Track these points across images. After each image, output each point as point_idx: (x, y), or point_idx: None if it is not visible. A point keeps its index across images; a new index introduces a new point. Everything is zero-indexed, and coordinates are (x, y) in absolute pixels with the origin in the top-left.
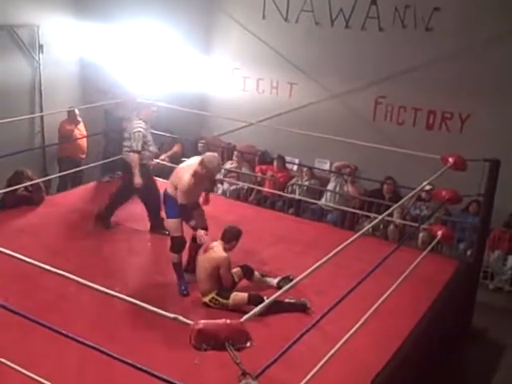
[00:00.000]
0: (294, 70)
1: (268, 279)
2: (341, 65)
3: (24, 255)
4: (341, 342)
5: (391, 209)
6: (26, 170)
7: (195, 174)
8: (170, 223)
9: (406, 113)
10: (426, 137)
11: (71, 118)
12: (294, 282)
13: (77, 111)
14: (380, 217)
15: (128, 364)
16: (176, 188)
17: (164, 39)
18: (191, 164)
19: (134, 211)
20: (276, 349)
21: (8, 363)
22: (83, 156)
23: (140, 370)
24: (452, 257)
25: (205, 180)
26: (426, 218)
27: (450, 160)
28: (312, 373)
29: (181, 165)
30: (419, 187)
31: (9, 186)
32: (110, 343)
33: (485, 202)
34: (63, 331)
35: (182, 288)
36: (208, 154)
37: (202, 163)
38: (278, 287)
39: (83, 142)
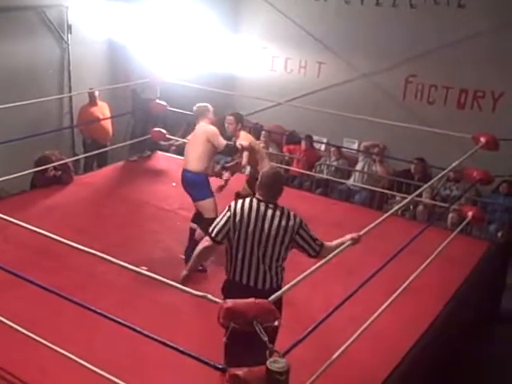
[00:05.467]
0: (323, 49)
1: None
2: (371, 43)
3: (53, 233)
4: (367, 323)
5: (420, 190)
6: (53, 153)
7: (209, 139)
8: (207, 204)
9: (436, 92)
10: (457, 116)
11: (92, 100)
12: (323, 261)
13: (97, 93)
14: (409, 198)
15: (157, 341)
16: (200, 159)
17: (192, 17)
18: (199, 134)
19: (161, 190)
20: (302, 328)
21: (39, 339)
22: (108, 142)
23: (169, 346)
24: (482, 238)
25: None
26: (456, 199)
27: (482, 140)
28: (338, 353)
29: (189, 139)
30: (449, 167)
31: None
32: (138, 320)
33: None
34: (92, 307)
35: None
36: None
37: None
38: None
39: (108, 126)
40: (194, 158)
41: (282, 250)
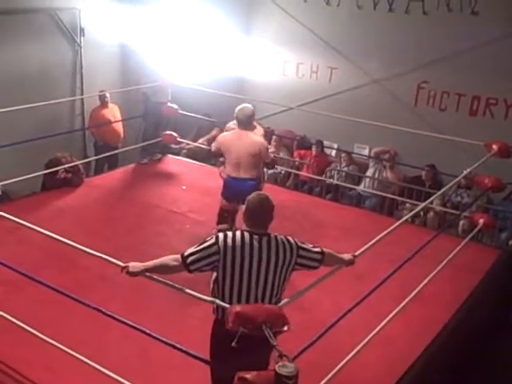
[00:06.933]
0: (335, 55)
1: None
2: (383, 49)
3: (64, 236)
4: (378, 328)
5: (433, 197)
6: (63, 156)
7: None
8: None
9: (449, 98)
10: (469, 123)
11: (102, 102)
12: (333, 269)
13: (107, 95)
14: (421, 206)
15: (165, 343)
16: (256, 167)
17: (204, 21)
18: (250, 142)
19: (171, 193)
20: (313, 333)
21: (47, 339)
22: (119, 145)
23: (178, 349)
24: (493, 246)
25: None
26: (467, 206)
27: (494, 147)
28: (347, 358)
29: (234, 145)
30: (462, 175)
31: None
32: (147, 322)
33: None
34: (102, 309)
35: None
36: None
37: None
38: None
39: (119, 128)
40: (251, 166)
41: (282, 284)
